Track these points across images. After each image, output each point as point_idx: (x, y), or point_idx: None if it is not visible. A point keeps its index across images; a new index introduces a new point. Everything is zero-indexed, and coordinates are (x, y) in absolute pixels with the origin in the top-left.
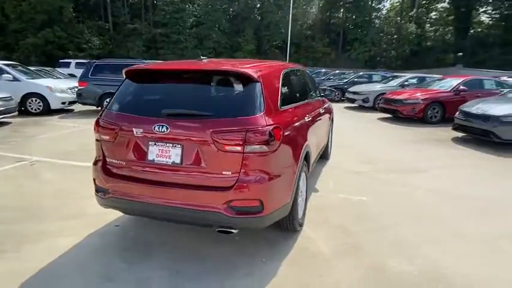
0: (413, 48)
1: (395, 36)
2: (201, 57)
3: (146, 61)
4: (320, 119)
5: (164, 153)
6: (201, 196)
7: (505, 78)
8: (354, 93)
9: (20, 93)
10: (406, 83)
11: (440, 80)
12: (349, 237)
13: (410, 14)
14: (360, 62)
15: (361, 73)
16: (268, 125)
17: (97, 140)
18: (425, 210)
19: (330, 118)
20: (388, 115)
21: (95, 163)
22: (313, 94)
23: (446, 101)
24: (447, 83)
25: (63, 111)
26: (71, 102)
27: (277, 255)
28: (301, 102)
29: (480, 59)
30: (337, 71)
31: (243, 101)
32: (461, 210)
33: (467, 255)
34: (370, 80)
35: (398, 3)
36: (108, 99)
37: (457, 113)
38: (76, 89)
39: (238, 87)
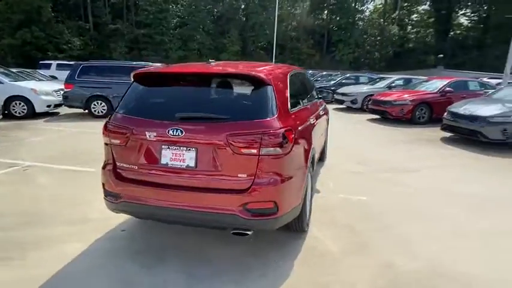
0: (396, 50)
1: (378, 37)
2: (210, 60)
3: (134, 63)
4: (320, 121)
5: (178, 157)
6: (216, 199)
7: (485, 79)
8: (343, 94)
9: (3, 96)
10: (393, 84)
11: (426, 81)
12: (355, 236)
13: (392, 16)
14: (345, 64)
15: (348, 74)
16: (282, 128)
17: (106, 144)
18: (423, 209)
19: (327, 119)
20: (377, 116)
21: (104, 167)
22: (313, 96)
23: (433, 102)
24: (433, 85)
25: (48, 115)
26: (56, 105)
27: (288, 256)
28: (306, 105)
29: (460, 61)
30: (324, 73)
31: (256, 104)
32: (458, 208)
33: (467, 253)
34: (357, 82)
35: (381, 5)
36: (95, 102)
37: (445, 114)
38: (62, 92)
39: (252, 91)
